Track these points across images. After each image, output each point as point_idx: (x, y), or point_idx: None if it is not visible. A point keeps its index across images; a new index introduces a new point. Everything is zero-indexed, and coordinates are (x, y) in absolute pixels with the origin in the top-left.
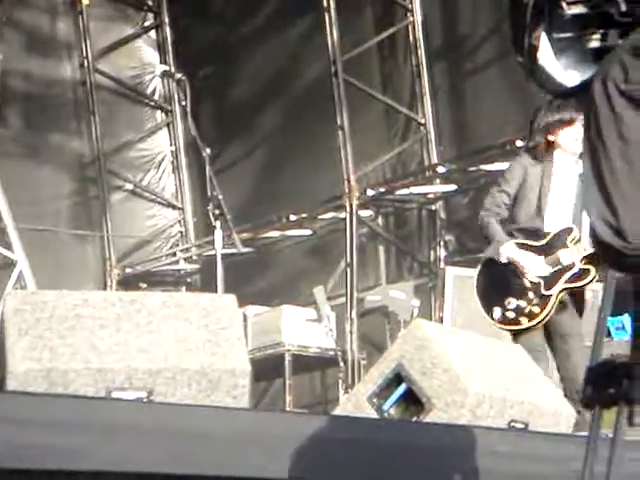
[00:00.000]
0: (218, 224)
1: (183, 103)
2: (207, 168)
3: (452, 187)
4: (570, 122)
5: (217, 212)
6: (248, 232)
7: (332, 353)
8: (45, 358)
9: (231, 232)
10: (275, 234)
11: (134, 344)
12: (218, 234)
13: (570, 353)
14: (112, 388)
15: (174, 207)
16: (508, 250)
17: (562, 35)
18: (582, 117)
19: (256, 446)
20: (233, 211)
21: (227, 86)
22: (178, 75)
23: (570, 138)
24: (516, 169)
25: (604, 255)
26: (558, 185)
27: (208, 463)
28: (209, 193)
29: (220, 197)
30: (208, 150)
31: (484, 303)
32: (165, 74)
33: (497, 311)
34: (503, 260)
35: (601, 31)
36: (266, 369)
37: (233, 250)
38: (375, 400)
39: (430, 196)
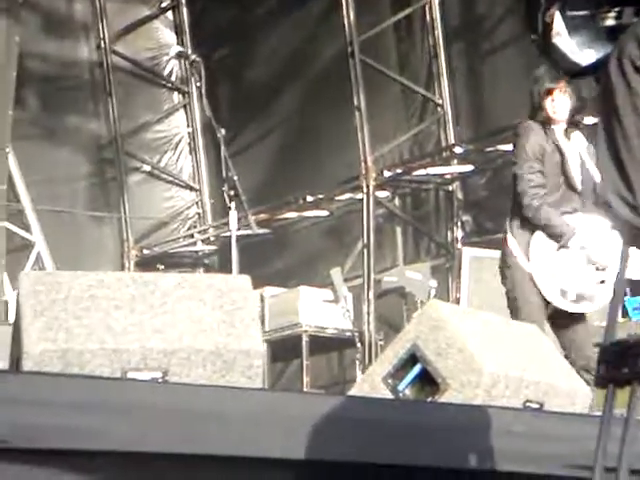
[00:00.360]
0: (233, 205)
1: (198, 84)
2: (222, 149)
3: (469, 168)
4: (550, 91)
5: (232, 193)
6: (265, 213)
7: (349, 334)
8: (61, 339)
9: (247, 213)
10: (292, 215)
11: (149, 325)
12: (233, 215)
13: (577, 328)
14: (127, 368)
15: (191, 188)
16: (579, 242)
17: (576, 13)
18: (561, 86)
19: (271, 426)
20: (251, 192)
21: (244, 67)
22: (193, 56)
23: (550, 106)
24: (532, 143)
25: (620, 232)
26: (573, 156)
27: (223, 443)
28: (224, 174)
29: (235, 178)
30: (223, 131)
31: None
32: (180, 55)
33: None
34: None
35: (616, 9)
36: (283, 350)
37: (249, 231)
38: (390, 381)
39: (447, 177)
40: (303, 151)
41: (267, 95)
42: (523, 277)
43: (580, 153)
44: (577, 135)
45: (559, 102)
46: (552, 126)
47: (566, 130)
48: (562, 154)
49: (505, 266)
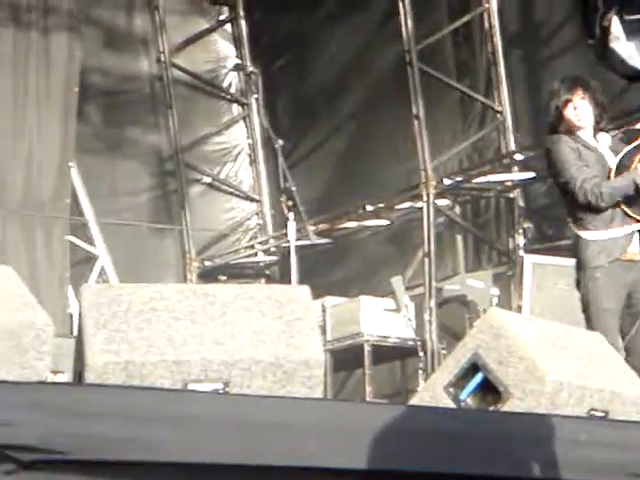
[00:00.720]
0: (291, 216)
1: (256, 96)
2: (279, 160)
3: (530, 174)
4: (569, 101)
5: (290, 204)
6: (325, 223)
7: (411, 343)
8: (122, 351)
9: (305, 224)
10: (352, 224)
11: (209, 336)
12: (291, 226)
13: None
14: (188, 380)
15: (252, 200)
16: None
17: (634, 17)
18: (579, 94)
19: (333, 437)
20: (311, 202)
21: (302, 77)
22: (250, 68)
23: (573, 115)
24: (566, 150)
25: None
26: (606, 151)
27: (284, 454)
28: (282, 185)
29: (293, 189)
30: (281, 142)
31: None
32: (237, 67)
33: None
34: None
35: None
36: (346, 360)
37: (307, 242)
38: (452, 390)
39: (508, 184)
40: (362, 160)
41: (325, 104)
42: (595, 283)
43: (610, 148)
44: (602, 136)
45: (581, 109)
46: (577, 132)
47: (593, 134)
48: (596, 152)
49: (579, 271)
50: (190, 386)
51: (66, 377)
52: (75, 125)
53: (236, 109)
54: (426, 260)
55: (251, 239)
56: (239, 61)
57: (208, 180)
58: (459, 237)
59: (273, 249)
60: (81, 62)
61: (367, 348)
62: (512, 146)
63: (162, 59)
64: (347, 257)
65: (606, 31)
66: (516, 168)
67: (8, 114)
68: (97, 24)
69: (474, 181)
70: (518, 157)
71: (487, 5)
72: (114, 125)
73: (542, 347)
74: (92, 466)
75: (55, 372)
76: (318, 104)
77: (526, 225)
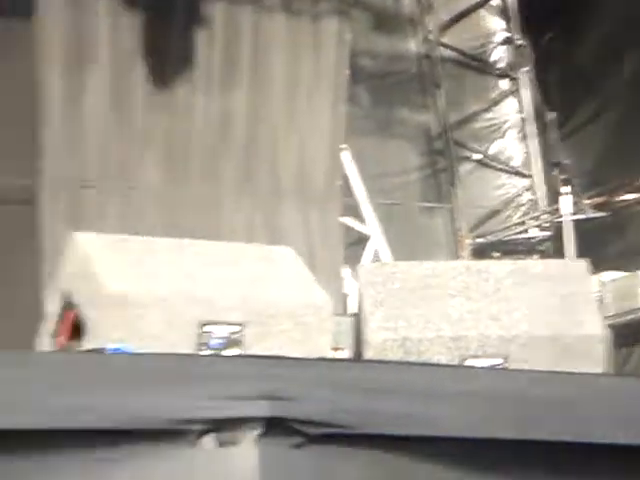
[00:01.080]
0: (565, 190)
1: (526, 69)
2: (551, 133)
3: None
4: None
5: (563, 177)
6: (602, 196)
7: None
8: (400, 328)
9: (579, 197)
10: (630, 197)
11: (485, 312)
12: (564, 200)
13: None
14: (466, 355)
15: (523, 175)
16: None
17: None
18: None
19: (615, 413)
20: (585, 175)
21: (573, 47)
22: (518, 42)
23: None
24: None
25: None
26: None
27: (563, 430)
28: (554, 159)
29: (566, 162)
30: (552, 115)
31: None
32: (505, 41)
33: None
34: None
35: None
36: (627, 335)
37: (582, 216)
38: None
39: None
40: (638, 129)
41: (598, 73)
42: None
43: None
44: None
45: None
46: None
47: None
48: None
49: None
50: (468, 362)
51: (346, 354)
52: (345, 108)
53: (505, 84)
54: None
55: (523, 215)
56: (508, 35)
57: (478, 157)
58: None
59: (546, 224)
60: (350, 45)
61: None
62: None
63: (430, 38)
64: (625, 230)
65: None
66: None
67: (281, 99)
68: (365, 7)
69: None
70: None
71: None
72: (383, 106)
73: None
74: (374, 440)
75: (336, 349)
76: (591, 74)
77: None
